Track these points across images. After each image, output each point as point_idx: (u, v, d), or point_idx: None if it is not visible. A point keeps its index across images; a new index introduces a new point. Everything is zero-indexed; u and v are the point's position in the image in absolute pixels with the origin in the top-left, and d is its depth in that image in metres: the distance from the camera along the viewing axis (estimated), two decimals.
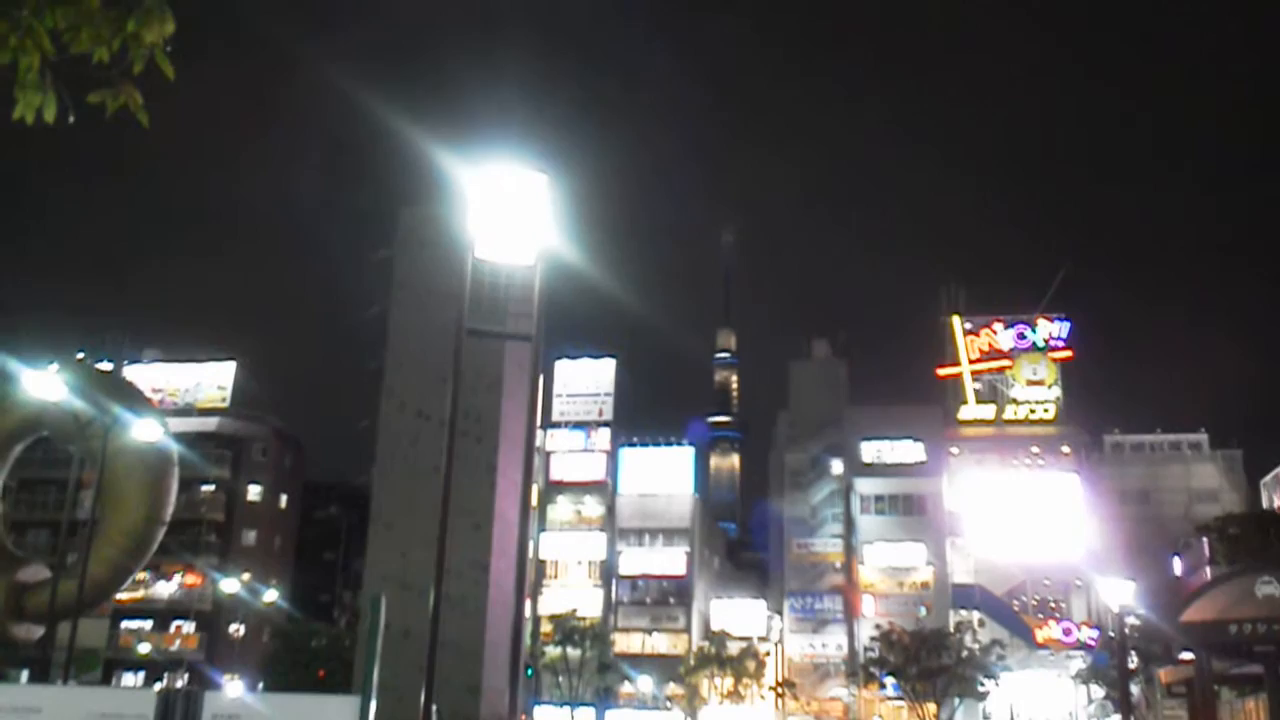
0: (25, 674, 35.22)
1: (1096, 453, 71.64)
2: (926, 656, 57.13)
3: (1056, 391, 72.25)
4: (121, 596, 54.40)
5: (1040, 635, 64.79)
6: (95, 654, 53.03)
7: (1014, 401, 72.17)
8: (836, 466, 72.41)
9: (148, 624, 63.74)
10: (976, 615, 64.51)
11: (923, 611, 64.91)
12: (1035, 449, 70.26)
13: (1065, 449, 70.20)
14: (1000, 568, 66.37)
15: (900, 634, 59.01)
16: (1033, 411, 72.05)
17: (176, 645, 63.19)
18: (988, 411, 72.37)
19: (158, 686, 46.94)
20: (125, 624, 62.62)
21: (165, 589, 64.56)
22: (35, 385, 22.67)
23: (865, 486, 70.20)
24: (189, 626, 64.23)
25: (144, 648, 61.73)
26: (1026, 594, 66.81)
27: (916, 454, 70.59)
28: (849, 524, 70.35)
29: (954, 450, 70.72)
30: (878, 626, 61.96)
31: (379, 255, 48.53)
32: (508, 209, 15.07)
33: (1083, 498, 67.29)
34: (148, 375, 66.51)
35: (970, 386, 72.73)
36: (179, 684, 55.87)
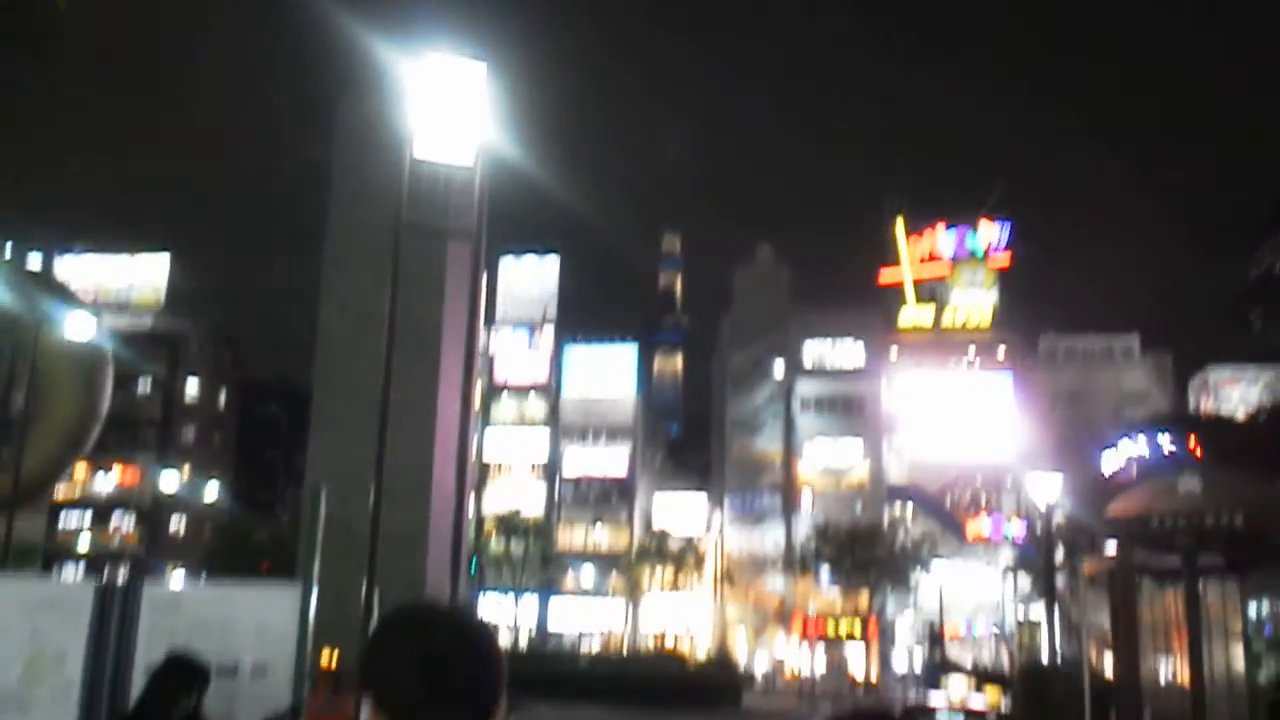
0: None
1: (1030, 355, 73.08)
2: (861, 550, 58.84)
3: (994, 295, 73.35)
4: (60, 492, 53.90)
5: (970, 530, 66.79)
6: (34, 548, 52.62)
7: (952, 306, 73.20)
8: (778, 369, 73.20)
9: (87, 519, 63.40)
10: (910, 510, 66.26)
11: (858, 508, 66.52)
12: (971, 352, 71.53)
13: (1000, 352, 71.54)
14: (934, 466, 67.98)
15: (836, 529, 60.61)
16: (970, 316, 73.17)
17: (117, 541, 63.01)
18: (926, 315, 73.34)
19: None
20: (64, 518, 62.18)
21: (104, 484, 64.09)
22: None
23: (806, 388, 71.10)
24: (129, 521, 63.98)
25: (84, 542, 61.47)
26: (959, 491, 68.59)
27: (857, 356, 71.54)
28: (789, 424, 71.42)
29: (893, 353, 71.77)
30: (814, 522, 63.49)
31: (316, 151, 47.47)
32: (446, 101, 14.71)
33: (1016, 399, 68.83)
34: (79, 270, 64.97)
35: (911, 290, 73.56)
36: (120, 577, 55.82)
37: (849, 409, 70.16)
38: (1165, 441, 42.28)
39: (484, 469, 72.69)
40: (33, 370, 23.69)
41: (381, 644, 1.63)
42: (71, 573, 59.93)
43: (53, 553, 59.54)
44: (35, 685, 6.05)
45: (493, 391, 75.55)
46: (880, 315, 72.76)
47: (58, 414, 22.47)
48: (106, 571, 58.52)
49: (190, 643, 6.11)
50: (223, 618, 6.40)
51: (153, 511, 63.65)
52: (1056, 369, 72.65)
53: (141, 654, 6.00)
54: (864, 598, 60.24)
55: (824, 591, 64.42)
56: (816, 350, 71.80)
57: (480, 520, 68.14)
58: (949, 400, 69.04)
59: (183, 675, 5.62)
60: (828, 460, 69.80)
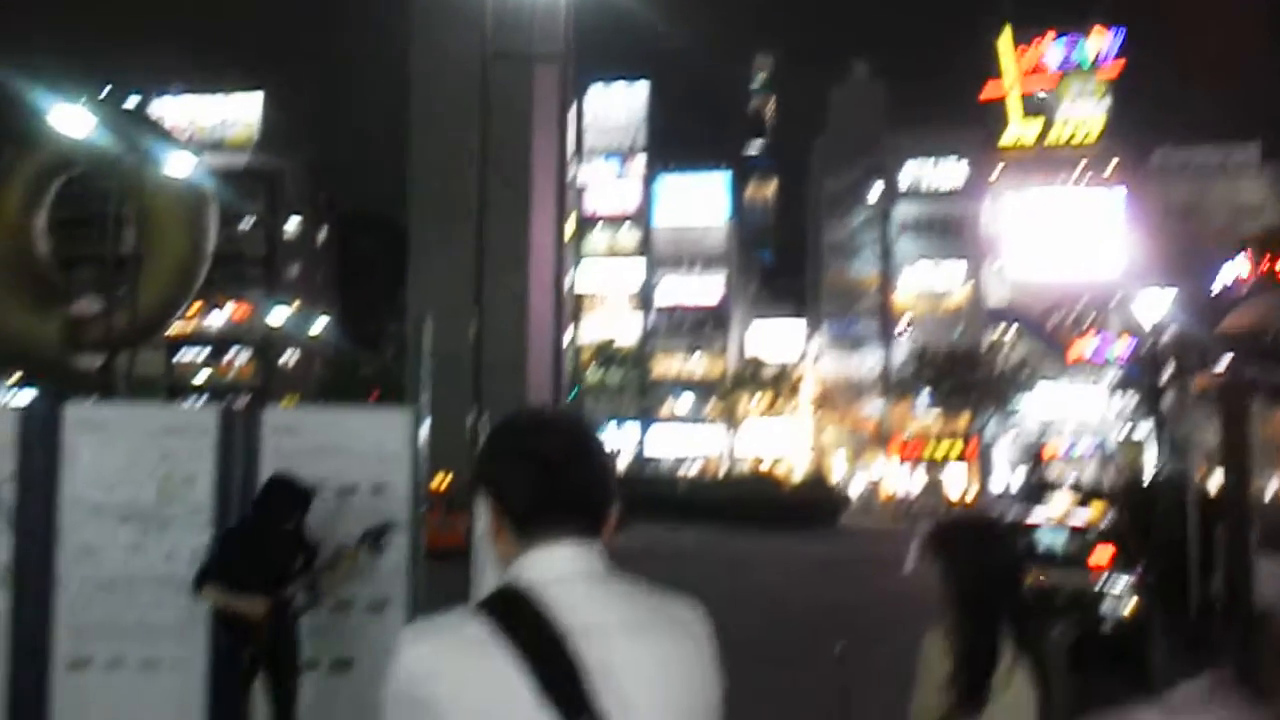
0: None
1: (1142, 170, 70.00)
2: (960, 372, 58.48)
3: (1104, 107, 69.97)
4: (174, 329, 55.88)
5: (1074, 350, 65.63)
6: (155, 382, 55.11)
7: (1059, 120, 70.12)
8: (874, 191, 71.54)
9: (203, 354, 66.06)
10: (1011, 331, 65.19)
11: (957, 331, 65.67)
12: (1080, 167, 68.74)
13: (1111, 167, 68.64)
14: (1037, 287, 66.49)
15: (935, 352, 60.20)
16: (1078, 130, 70.06)
17: (232, 374, 65.70)
18: (1032, 131, 70.41)
19: None
20: (182, 354, 64.78)
21: (217, 320, 66.35)
22: (63, 121, 22.43)
23: (904, 210, 69.54)
24: (243, 356, 66.55)
25: (201, 376, 64.19)
26: (1063, 312, 67.13)
27: (958, 176, 69.43)
28: (886, 248, 70.22)
29: (996, 172, 69.36)
30: (912, 346, 63.09)
31: None
32: None
33: (1126, 215, 66.44)
34: (175, 110, 65.72)
35: (1015, 105, 70.50)
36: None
37: (948, 231, 68.57)
38: None
39: (578, 300, 73.38)
40: (139, 210, 24.28)
41: (498, 447, 1.66)
42: (193, 404, 62.89)
43: (173, 387, 62.37)
44: (169, 505, 6.39)
45: (584, 222, 75.52)
46: (982, 133, 69.99)
47: (167, 252, 23.06)
48: (227, 401, 61.31)
49: (310, 464, 6.37)
50: (340, 441, 6.63)
51: (264, 346, 65.96)
52: (1169, 183, 69.55)
53: (266, 475, 6.27)
54: (963, 420, 60.17)
55: (921, 415, 64.50)
56: (915, 171, 69.82)
57: (577, 349, 69.26)
58: (1054, 219, 66.85)
59: (286, 494, 5.88)
60: (926, 284, 68.75)
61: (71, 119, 22.43)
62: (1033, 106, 70.56)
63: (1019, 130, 70.53)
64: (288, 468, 6.12)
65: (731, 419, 70.10)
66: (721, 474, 66.11)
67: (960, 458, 63.43)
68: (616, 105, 77.11)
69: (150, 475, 6.40)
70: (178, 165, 23.46)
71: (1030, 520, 15.34)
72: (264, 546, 5.73)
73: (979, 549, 3.22)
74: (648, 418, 72.12)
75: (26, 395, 33.85)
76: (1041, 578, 11.21)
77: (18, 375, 48.11)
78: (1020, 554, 3.82)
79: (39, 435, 6.40)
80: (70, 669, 6.18)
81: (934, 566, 3.24)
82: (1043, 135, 70.18)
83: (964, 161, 69.05)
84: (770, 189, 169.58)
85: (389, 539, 6.06)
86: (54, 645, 6.19)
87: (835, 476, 65.61)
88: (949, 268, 68.36)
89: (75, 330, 22.87)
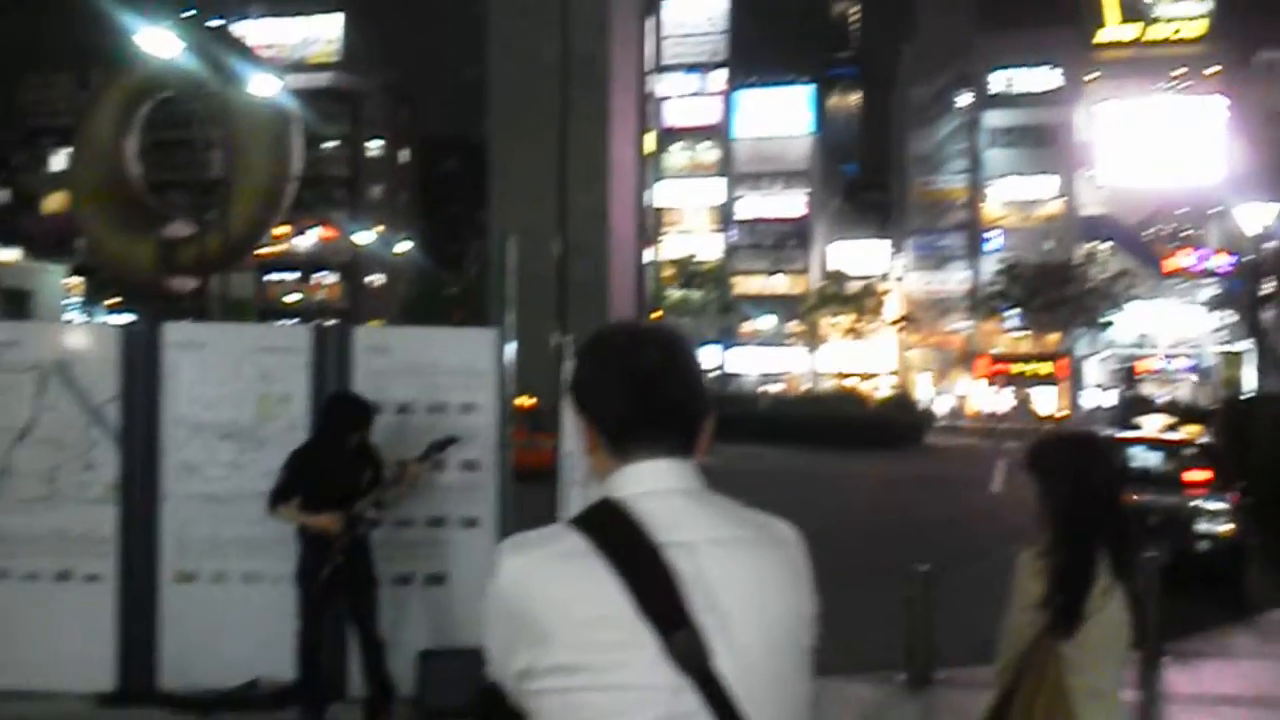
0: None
1: (1244, 73, 66.69)
2: (1050, 288, 57.07)
3: (1207, 8, 66.55)
4: (264, 251, 57.12)
5: (1170, 263, 63.51)
6: (248, 304, 56.46)
7: (1159, 20, 66.93)
8: (963, 100, 69.40)
9: (292, 276, 67.40)
10: (1105, 246, 63.24)
11: (1048, 245, 63.91)
12: (1179, 71, 65.70)
13: (1212, 70, 65.51)
14: (1133, 197, 64.20)
15: (1024, 267, 58.77)
16: (1178, 30, 66.85)
17: (321, 295, 66.99)
18: (1129, 31, 67.37)
19: None
20: (271, 276, 66.19)
21: (304, 242, 67.56)
22: (151, 43, 22.72)
23: (993, 119, 67.41)
24: (331, 277, 67.75)
25: (290, 298, 65.57)
26: (1159, 223, 64.87)
27: (1051, 81, 66.94)
28: (975, 159, 68.33)
29: (1090, 76, 66.65)
30: (1001, 261, 61.63)
31: None
32: None
33: (1227, 122, 63.53)
34: (257, 31, 66.10)
35: (1111, 3, 67.41)
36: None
37: (1040, 139, 66.38)
38: None
39: (659, 217, 72.92)
40: (226, 133, 24.62)
41: (589, 362, 1.63)
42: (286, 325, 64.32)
43: (264, 309, 63.90)
44: (266, 424, 6.55)
45: (663, 138, 74.65)
46: (1075, 35, 67.20)
47: (255, 175, 23.34)
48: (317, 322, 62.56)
49: (400, 383, 6.48)
50: (429, 360, 6.72)
51: (351, 267, 67.04)
52: (1273, 87, 66.21)
53: (358, 394, 6.37)
54: (1053, 337, 58.85)
55: (1010, 332, 63.25)
56: (1005, 77, 67.50)
57: (657, 266, 69.01)
58: (1152, 124, 64.17)
59: (347, 411, 5.97)
60: (1017, 195, 66.88)
61: (159, 41, 22.69)
62: (1129, 7, 67.42)
63: (1116, 30, 67.51)
64: (381, 385, 6.23)
65: (814, 337, 69.58)
66: (804, 392, 65.79)
67: (1050, 376, 62.26)
68: (696, 16, 75.64)
69: (248, 394, 6.56)
70: (263, 87, 23.64)
71: (1123, 438, 15.01)
72: (331, 464, 5.82)
73: (1078, 466, 3.14)
74: (729, 338, 71.91)
75: (123, 320, 34.93)
76: (1137, 497, 10.99)
77: (114, 300, 49.65)
78: (1120, 472, 3.72)
79: (141, 354, 6.58)
80: (177, 582, 6.42)
81: (1030, 484, 3.17)
82: (1142, 33, 67.10)
83: (1058, 70, 66.53)
84: (855, 100, 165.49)
85: (452, 451, 6.13)
86: (161, 560, 6.43)
87: (921, 395, 64.84)
88: (1040, 177, 66.35)
89: (168, 253, 23.35)
